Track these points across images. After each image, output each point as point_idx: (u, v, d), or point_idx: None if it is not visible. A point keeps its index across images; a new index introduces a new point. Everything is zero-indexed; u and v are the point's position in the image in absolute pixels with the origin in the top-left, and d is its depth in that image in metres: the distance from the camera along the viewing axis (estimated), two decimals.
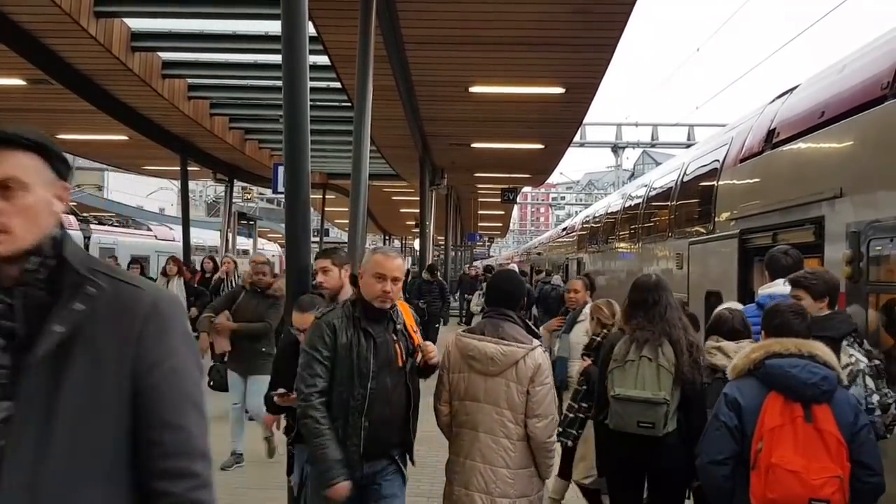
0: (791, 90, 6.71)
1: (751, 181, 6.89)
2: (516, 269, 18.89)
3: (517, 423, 3.51)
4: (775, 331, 3.34)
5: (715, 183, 7.69)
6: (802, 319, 3.36)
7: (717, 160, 7.81)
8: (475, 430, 3.57)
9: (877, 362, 3.68)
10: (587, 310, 6.03)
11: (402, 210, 28.87)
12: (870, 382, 3.57)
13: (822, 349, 3.25)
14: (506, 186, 20.79)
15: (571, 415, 5.27)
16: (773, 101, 7.00)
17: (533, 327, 3.85)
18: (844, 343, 3.65)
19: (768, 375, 3.19)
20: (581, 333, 6.08)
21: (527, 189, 47.67)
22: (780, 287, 4.39)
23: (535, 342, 3.58)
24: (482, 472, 3.52)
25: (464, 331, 3.79)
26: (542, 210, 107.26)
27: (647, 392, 3.89)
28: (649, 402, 3.87)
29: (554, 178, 44.68)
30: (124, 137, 14.13)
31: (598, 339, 5.07)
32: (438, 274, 16.22)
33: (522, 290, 3.93)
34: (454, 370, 3.66)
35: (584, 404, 5.18)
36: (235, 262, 10.80)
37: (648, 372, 3.93)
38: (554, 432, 3.59)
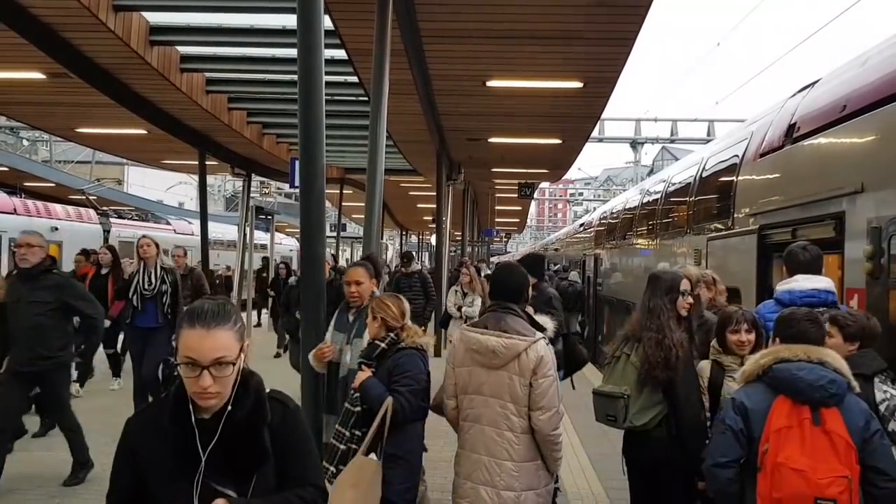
0: (812, 84, 6.62)
1: (770, 176, 6.81)
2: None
3: (521, 415, 3.52)
4: (792, 339, 3.30)
5: (734, 178, 7.61)
6: (819, 327, 3.34)
7: (737, 155, 7.73)
8: (479, 423, 3.60)
9: None
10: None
11: (419, 205, 28.88)
12: None
13: (832, 356, 3.22)
14: (523, 181, 20.72)
15: (342, 446, 3.95)
16: (794, 95, 6.91)
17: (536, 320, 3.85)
18: (877, 380, 3.60)
19: (776, 379, 3.17)
20: None
21: (545, 185, 47.59)
22: (800, 283, 4.35)
23: (538, 334, 3.59)
24: (487, 465, 3.54)
25: (469, 325, 3.82)
26: (560, 206, 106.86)
27: (615, 387, 4.09)
28: (610, 395, 4.08)
29: (572, 173, 44.54)
30: (143, 131, 14.22)
31: (383, 345, 4.06)
32: (419, 264, 14.44)
33: (525, 283, 3.92)
34: (459, 364, 3.70)
35: (357, 431, 3.93)
36: (157, 245, 7.94)
37: (620, 367, 4.14)
38: (559, 424, 3.59)
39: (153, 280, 7.65)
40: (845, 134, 5.38)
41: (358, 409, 3.91)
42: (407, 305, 4.19)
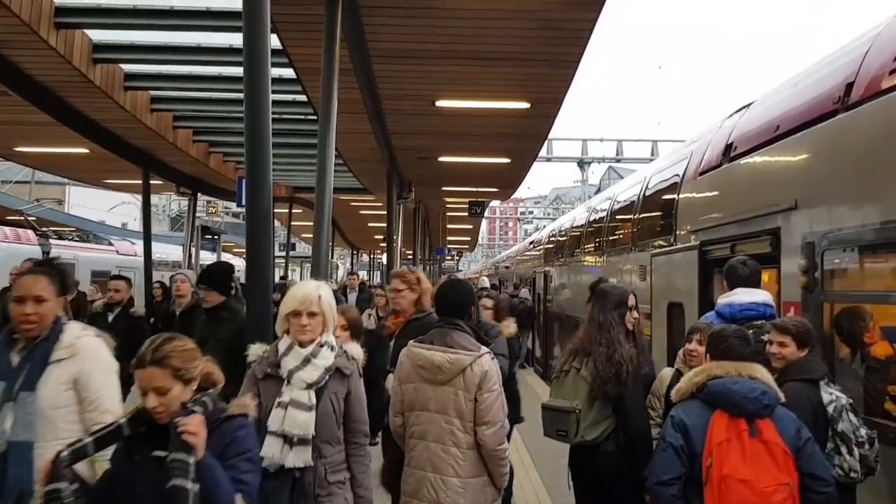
0: (748, 105, 6.86)
1: (710, 194, 7.01)
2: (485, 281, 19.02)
3: (466, 431, 3.53)
4: (721, 355, 3.42)
5: (675, 196, 7.80)
6: (747, 344, 3.47)
7: (678, 174, 7.94)
8: (425, 439, 3.58)
9: (851, 400, 3.78)
10: (70, 337, 3.15)
11: (370, 224, 28.74)
12: (853, 417, 3.67)
13: (761, 371, 3.38)
14: (473, 200, 20.87)
15: None
16: (731, 115, 7.14)
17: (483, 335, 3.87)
18: (822, 383, 3.76)
19: (711, 395, 3.29)
20: (62, 383, 3.05)
21: (495, 203, 47.95)
22: (740, 296, 4.49)
23: (483, 349, 3.60)
24: (432, 481, 3.52)
25: (416, 341, 3.80)
26: (511, 224, 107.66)
27: (565, 401, 4.11)
28: (561, 410, 4.10)
29: (522, 192, 45.08)
30: (85, 150, 13.89)
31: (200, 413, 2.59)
32: (332, 283, 11.95)
33: (471, 299, 3.94)
34: (406, 380, 3.69)
35: None
36: None
37: (571, 382, 4.17)
38: (504, 439, 3.61)
39: None
40: (779, 153, 5.58)
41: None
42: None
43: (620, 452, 4.04)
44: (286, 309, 3.41)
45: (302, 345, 3.35)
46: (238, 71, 9.99)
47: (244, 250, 5.14)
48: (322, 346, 3.39)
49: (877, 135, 4.33)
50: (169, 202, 47.54)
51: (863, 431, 3.65)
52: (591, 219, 13.18)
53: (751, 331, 4.18)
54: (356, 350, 3.57)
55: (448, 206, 23.36)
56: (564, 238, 16.21)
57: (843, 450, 3.61)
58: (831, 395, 3.72)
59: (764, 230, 5.55)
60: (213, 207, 36.50)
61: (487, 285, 19.00)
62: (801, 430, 3.23)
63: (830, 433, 3.65)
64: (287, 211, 22.79)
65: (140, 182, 15.78)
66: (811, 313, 4.70)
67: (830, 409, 3.67)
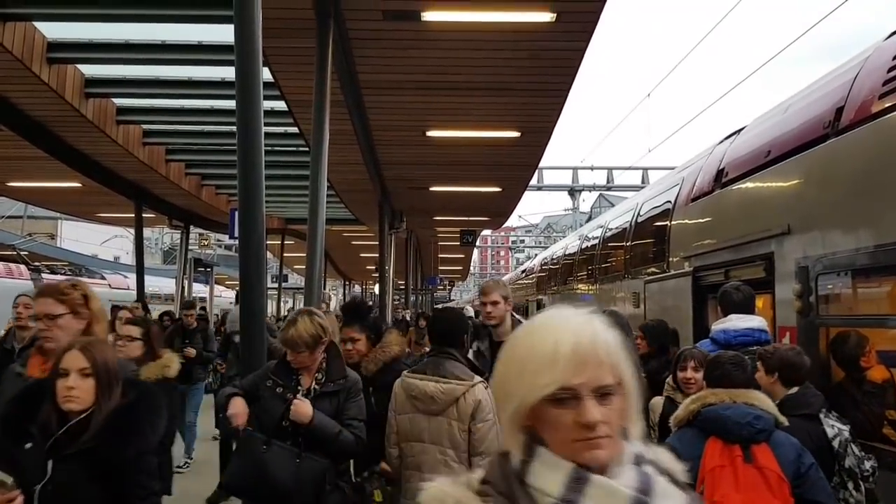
0: (738, 131, 6.91)
1: (702, 220, 7.02)
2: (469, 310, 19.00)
3: (461, 462, 3.47)
4: (716, 382, 3.39)
5: (668, 223, 7.82)
6: (742, 370, 3.42)
7: (669, 201, 7.96)
8: (420, 471, 3.51)
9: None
10: None
11: (361, 255, 28.75)
12: (856, 450, 3.62)
13: (759, 397, 3.31)
14: (464, 229, 20.90)
15: None
16: (722, 141, 7.19)
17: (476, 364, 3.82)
18: (822, 416, 3.70)
19: (705, 421, 3.25)
20: None
21: (486, 232, 48.03)
22: (734, 322, 4.46)
23: (476, 378, 3.56)
24: None
25: (410, 371, 3.76)
26: (503, 253, 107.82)
27: None
28: None
29: (513, 221, 45.10)
30: (77, 185, 13.89)
31: None
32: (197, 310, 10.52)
33: (463, 328, 3.91)
34: (400, 411, 3.64)
35: None
36: None
37: None
38: None
39: None
40: (771, 178, 5.61)
41: None
42: None
43: None
44: (538, 386, 1.25)
45: (600, 470, 1.29)
46: (230, 104, 10.01)
47: (237, 282, 5.11)
48: (639, 463, 1.41)
49: (867, 158, 4.36)
50: (161, 235, 47.46)
51: (867, 465, 3.60)
52: (584, 247, 13.20)
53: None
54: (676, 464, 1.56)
55: (440, 235, 23.41)
56: (557, 266, 16.22)
57: (850, 485, 3.55)
58: (833, 427, 3.65)
59: (757, 255, 5.55)
60: (206, 240, 36.48)
61: (472, 314, 19.04)
62: (803, 456, 3.16)
63: (836, 468, 3.59)
64: (280, 242, 22.80)
65: (133, 215, 15.78)
66: (807, 337, 4.69)
67: (836, 443, 3.60)
